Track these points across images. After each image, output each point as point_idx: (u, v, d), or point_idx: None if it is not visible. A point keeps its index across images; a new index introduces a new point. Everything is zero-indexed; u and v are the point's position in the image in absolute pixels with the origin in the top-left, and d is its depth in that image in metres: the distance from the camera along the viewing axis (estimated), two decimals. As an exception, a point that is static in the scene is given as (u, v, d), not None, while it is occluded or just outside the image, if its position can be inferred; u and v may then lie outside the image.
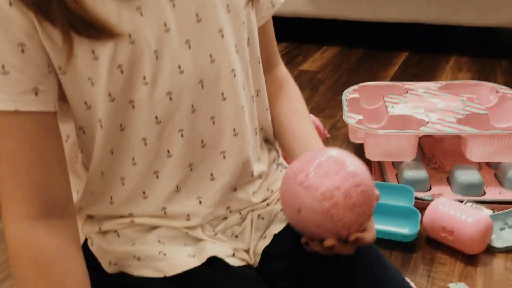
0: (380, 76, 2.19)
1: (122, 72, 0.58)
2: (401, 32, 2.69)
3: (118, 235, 0.68)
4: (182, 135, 0.63)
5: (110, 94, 0.58)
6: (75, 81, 0.58)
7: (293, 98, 0.80)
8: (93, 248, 0.68)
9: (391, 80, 2.13)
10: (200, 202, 0.67)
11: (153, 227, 0.67)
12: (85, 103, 0.59)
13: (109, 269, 0.66)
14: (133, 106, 0.60)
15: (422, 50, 2.47)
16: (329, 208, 0.59)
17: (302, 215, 0.61)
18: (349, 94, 1.58)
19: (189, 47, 0.61)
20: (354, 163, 0.62)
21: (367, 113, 1.52)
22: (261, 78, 0.73)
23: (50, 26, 0.54)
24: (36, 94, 0.54)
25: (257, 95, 0.73)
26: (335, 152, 0.63)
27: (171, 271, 0.63)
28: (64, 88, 0.58)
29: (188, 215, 0.67)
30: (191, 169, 0.66)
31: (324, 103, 1.94)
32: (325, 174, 0.60)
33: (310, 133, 0.76)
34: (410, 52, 2.46)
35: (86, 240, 0.69)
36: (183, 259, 0.65)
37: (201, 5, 0.61)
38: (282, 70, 0.83)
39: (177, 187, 0.66)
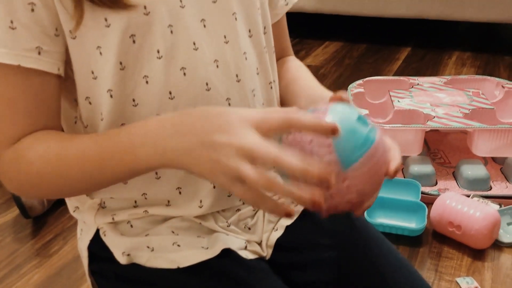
0: (383, 71, 2.19)
1: (134, 42, 0.58)
2: (404, 27, 2.69)
3: (131, 226, 0.67)
4: None
5: (121, 63, 0.59)
6: (83, 48, 0.58)
7: (298, 64, 0.80)
8: (106, 239, 0.67)
9: (395, 75, 2.12)
10: (214, 187, 0.66)
11: (166, 218, 0.67)
12: (92, 72, 0.60)
13: (122, 259, 0.65)
14: (146, 82, 0.61)
15: (425, 45, 2.46)
16: None
17: None
18: (354, 88, 1.57)
19: (204, 26, 0.62)
20: None
21: (373, 107, 1.52)
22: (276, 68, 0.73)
23: None
24: (39, 53, 0.56)
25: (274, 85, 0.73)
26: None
27: (185, 262, 0.63)
28: (70, 54, 0.59)
29: (201, 201, 0.66)
30: None
31: (328, 97, 1.93)
32: None
33: (313, 82, 0.75)
34: (413, 47, 2.46)
35: (97, 231, 0.68)
36: (196, 250, 0.64)
37: None
38: (294, 58, 0.84)
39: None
